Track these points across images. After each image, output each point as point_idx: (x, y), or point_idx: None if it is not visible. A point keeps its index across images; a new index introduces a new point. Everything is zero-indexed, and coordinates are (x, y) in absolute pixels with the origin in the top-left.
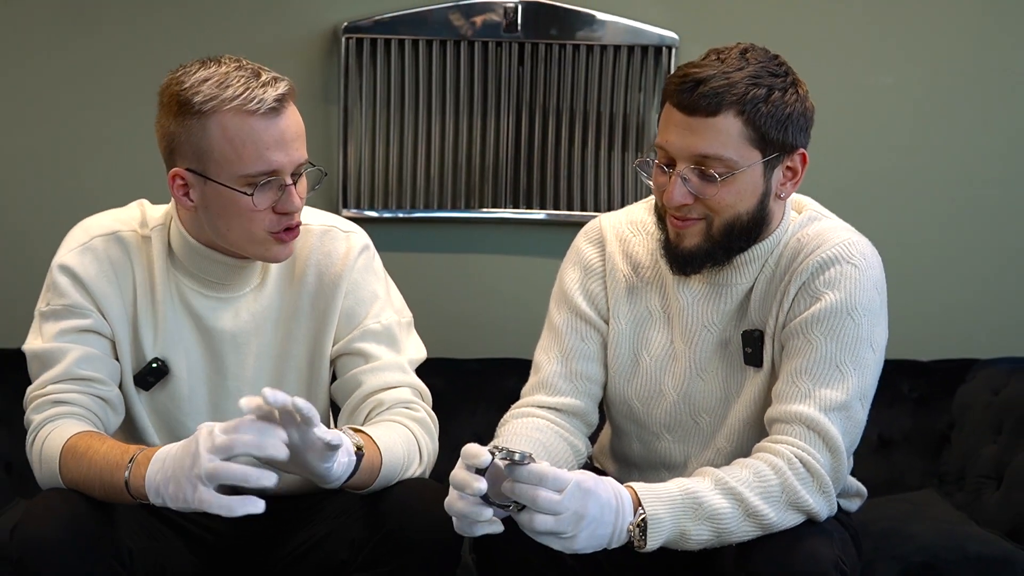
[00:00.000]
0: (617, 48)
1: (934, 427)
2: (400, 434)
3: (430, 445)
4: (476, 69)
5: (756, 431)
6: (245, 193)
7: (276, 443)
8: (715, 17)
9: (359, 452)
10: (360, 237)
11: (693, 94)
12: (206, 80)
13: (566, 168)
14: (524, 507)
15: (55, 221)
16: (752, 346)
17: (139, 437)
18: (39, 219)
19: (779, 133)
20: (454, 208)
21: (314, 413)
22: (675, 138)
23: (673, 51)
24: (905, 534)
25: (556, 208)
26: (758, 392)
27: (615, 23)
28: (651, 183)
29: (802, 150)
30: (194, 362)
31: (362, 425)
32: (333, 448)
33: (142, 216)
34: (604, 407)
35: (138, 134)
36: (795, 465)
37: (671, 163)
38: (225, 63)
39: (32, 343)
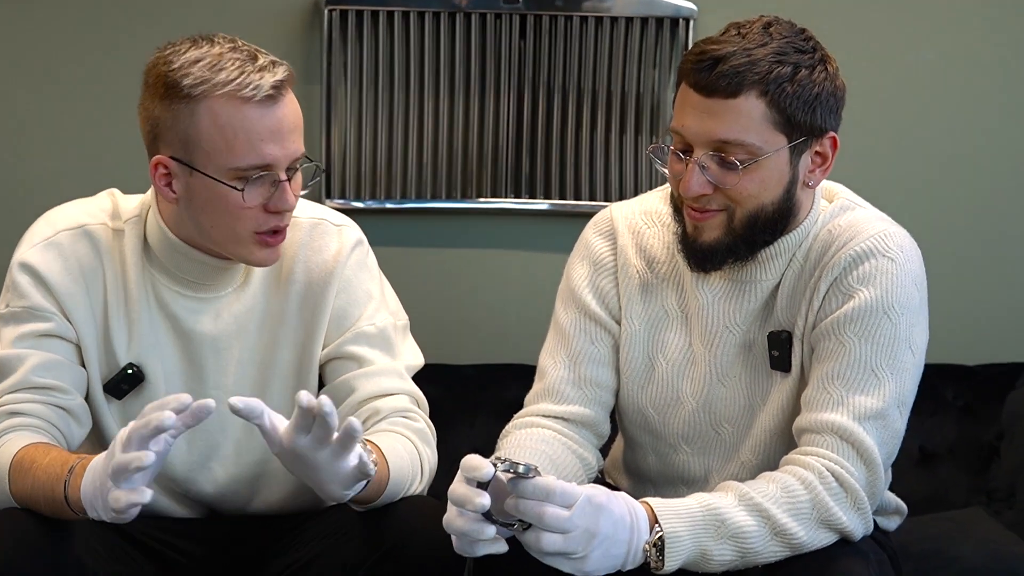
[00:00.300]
0: (629, 20)
1: (981, 438)
2: (406, 448)
3: (431, 458)
4: (473, 44)
5: (784, 442)
6: (235, 188)
7: (160, 414)
8: None
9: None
10: (353, 231)
11: (711, 73)
12: (197, 61)
13: (573, 153)
14: (530, 525)
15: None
16: (779, 349)
17: None
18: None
19: (807, 115)
20: (448, 198)
21: (357, 434)
22: (692, 122)
23: (691, 23)
24: (949, 556)
25: (562, 198)
26: (786, 399)
27: None
28: (666, 171)
29: (832, 134)
30: (171, 368)
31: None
32: (366, 477)
33: (113, 207)
34: (616, 417)
35: (101, 118)
36: (827, 479)
37: (688, 149)
38: (219, 43)
39: None
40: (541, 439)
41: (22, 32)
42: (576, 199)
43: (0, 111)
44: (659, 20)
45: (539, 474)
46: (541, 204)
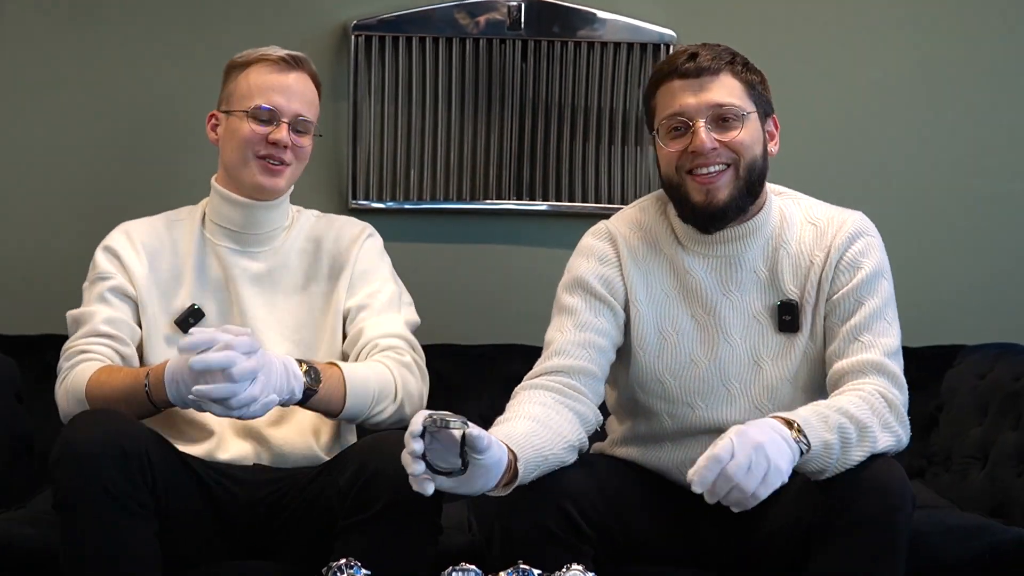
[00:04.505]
0: (617, 45)
1: (923, 410)
2: (376, 370)
3: (411, 384)
4: (481, 66)
5: (792, 391)
6: (246, 114)
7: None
8: (711, 15)
9: (310, 390)
10: (372, 229)
11: (695, 62)
12: (250, 49)
13: (567, 161)
14: (462, 472)
15: (73, 215)
16: (790, 314)
17: None
18: (61, 213)
19: (761, 95)
20: (460, 200)
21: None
22: (689, 99)
23: (671, 48)
24: None
25: (558, 200)
26: (795, 354)
27: (615, 21)
28: (669, 151)
29: (774, 116)
30: (221, 306)
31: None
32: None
33: (174, 212)
34: (623, 400)
35: (142, 131)
36: (877, 397)
37: (688, 124)
38: (272, 47)
39: (73, 310)
40: (539, 402)
41: (89, 59)
42: (570, 201)
43: (65, 138)
44: (643, 45)
45: (467, 425)
46: (540, 205)
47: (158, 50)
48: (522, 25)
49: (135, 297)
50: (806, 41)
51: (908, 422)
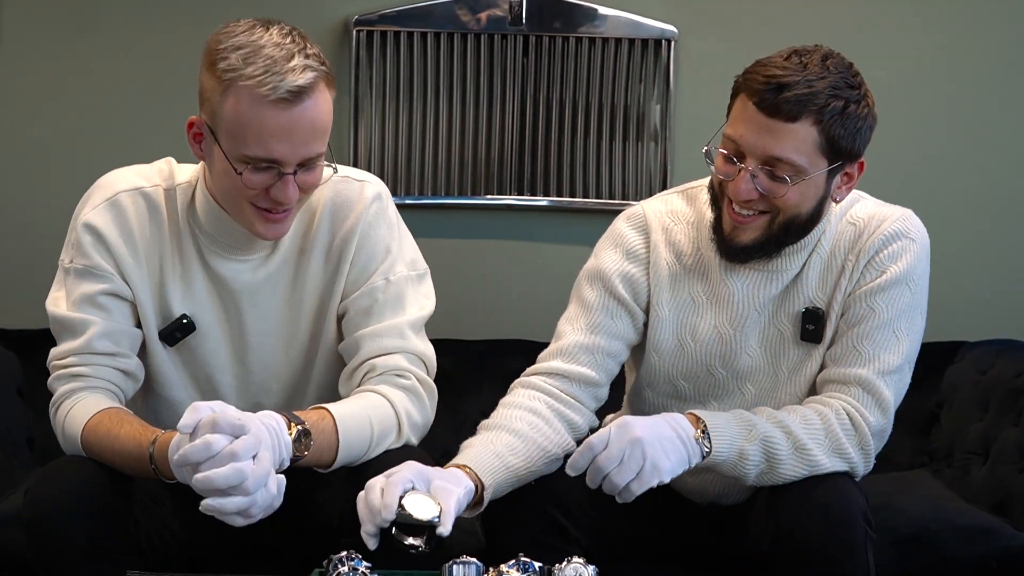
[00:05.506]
0: (618, 41)
1: (924, 406)
2: (372, 406)
3: (415, 414)
4: (482, 61)
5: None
6: (235, 169)
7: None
8: (713, 11)
9: (297, 457)
10: (373, 186)
11: (776, 97)
12: (238, 48)
13: (568, 156)
14: (434, 546)
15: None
16: (815, 323)
17: (163, 393)
18: (62, 210)
19: (849, 143)
20: (460, 195)
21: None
22: (750, 135)
23: (672, 44)
24: (897, 508)
25: (559, 195)
26: (815, 366)
27: (616, 17)
28: (714, 170)
29: (862, 159)
30: (216, 317)
31: (357, 388)
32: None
33: (169, 171)
34: (634, 391)
35: (140, 128)
36: (841, 416)
37: (740, 156)
38: (271, 34)
39: (56, 304)
40: (528, 407)
41: (94, 57)
42: (571, 196)
43: (66, 125)
44: (644, 41)
45: (427, 547)
46: (541, 201)
47: (158, 48)
48: (523, 21)
49: (131, 299)
50: (808, 39)
51: (872, 451)
